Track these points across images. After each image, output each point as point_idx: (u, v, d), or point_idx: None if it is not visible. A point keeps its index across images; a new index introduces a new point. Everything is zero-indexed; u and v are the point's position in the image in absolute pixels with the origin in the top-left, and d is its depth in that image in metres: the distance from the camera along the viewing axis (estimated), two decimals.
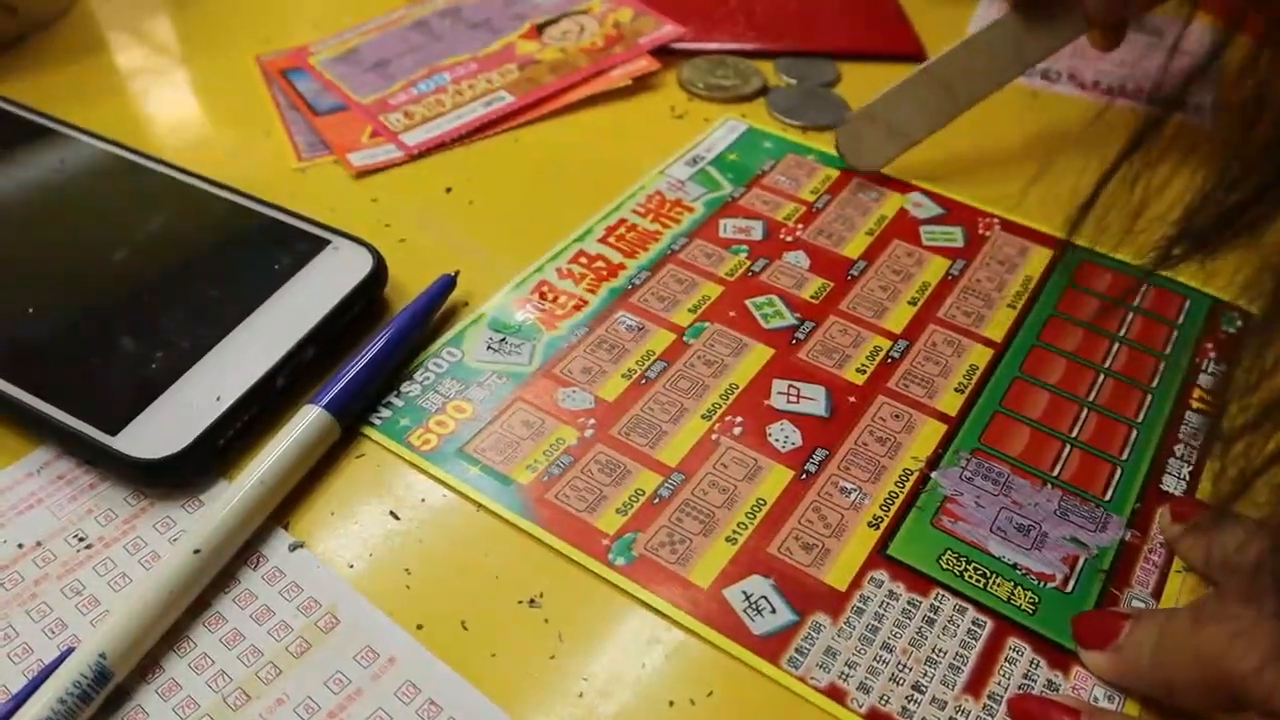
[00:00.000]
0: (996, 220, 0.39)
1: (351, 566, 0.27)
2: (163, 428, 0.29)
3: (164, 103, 0.45)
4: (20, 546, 0.27)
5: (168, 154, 0.38)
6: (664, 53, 0.47)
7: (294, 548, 0.27)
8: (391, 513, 0.28)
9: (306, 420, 0.29)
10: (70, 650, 0.24)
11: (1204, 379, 0.34)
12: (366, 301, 0.33)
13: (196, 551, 0.26)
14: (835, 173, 0.41)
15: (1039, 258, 0.38)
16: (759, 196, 0.40)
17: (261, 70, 0.46)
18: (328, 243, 0.34)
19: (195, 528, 0.26)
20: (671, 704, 0.25)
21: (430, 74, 0.45)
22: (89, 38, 0.49)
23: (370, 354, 0.31)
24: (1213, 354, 0.35)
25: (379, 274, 0.34)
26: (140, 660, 0.25)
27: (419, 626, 0.26)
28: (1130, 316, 0.36)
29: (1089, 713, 0.24)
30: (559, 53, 0.46)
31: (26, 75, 0.45)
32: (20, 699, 0.23)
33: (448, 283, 0.34)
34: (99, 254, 0.34)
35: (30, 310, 0.32)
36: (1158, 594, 0.28)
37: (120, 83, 0.46)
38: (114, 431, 0.28)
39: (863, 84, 0.47)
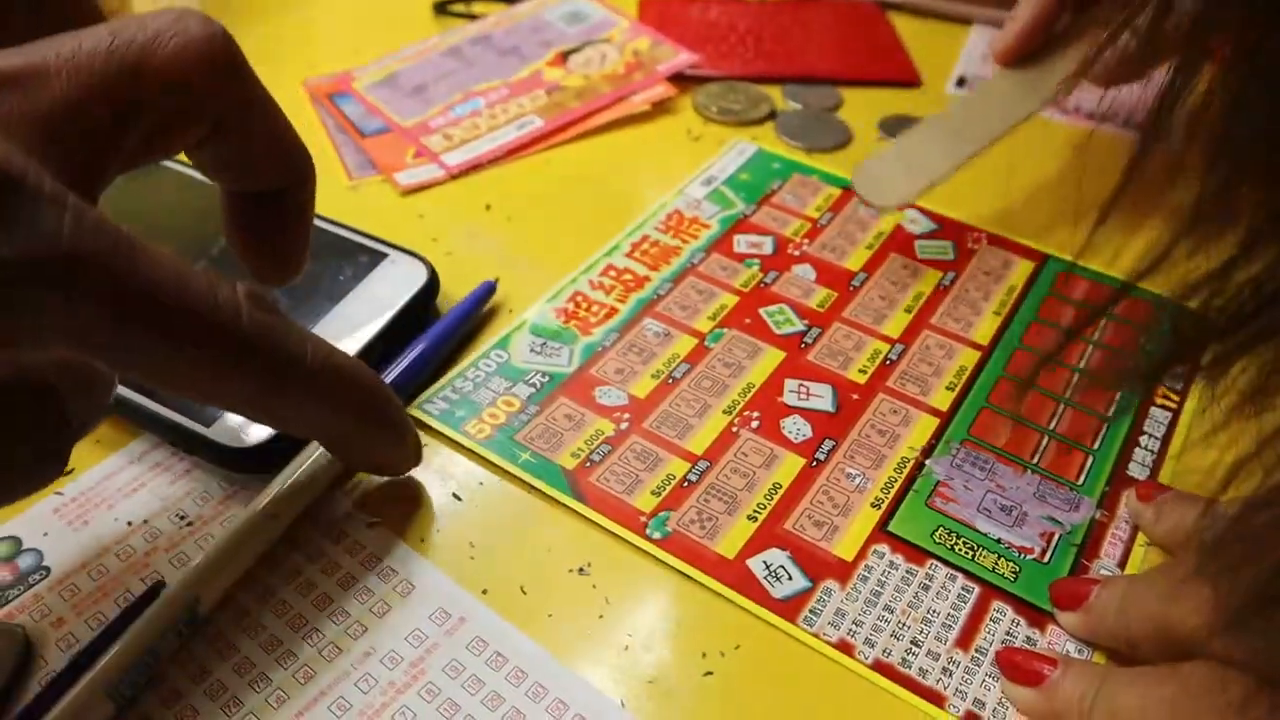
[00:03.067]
0: (984, 235, 0.44)
1: (422, 540, 0.31)
2: (248, 421, 0.33)
3: None
4: (129, 524, 0.31)
5: None
6: (680, 79, 0.51)
7: (371, 525, 0.31)
8: (454, 494, 0.32)
9: None
10: (160, 584, 0.28)
11: (1169, 379, 0.38)
12: (423, 308, 0.37)
13: (273, 516, 0.30)
14: (837, 191, 0.45)
15: (1022, 269, 0.42)
16: (769, 214, 0.44)
17: (309, 94, 0.50)
18: (385, 256, 0.38)
19: (269, 495, 0.30)
20: (704, 655, 0.29)
21: (465, 98, 0.49)
22: None
23: (418, 349, 0.35)
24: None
25: (433, 284, 0.38)
26: (229, 606, 0.29)
27: (484, 591, 0.30)
28: (1104, 322, 0.40)
29: (1064, 662, 0.28)
30: (583, 79, 0.50)
31: None
32: (117, 628, 0.27)
33: (489, 288, 0.38)
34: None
35: None
36: (1123, 564, 0.32)
37: None
38: (208, 424, 0.32)
39: (863, 108, 0.51)
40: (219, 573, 0.28)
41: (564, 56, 0.52)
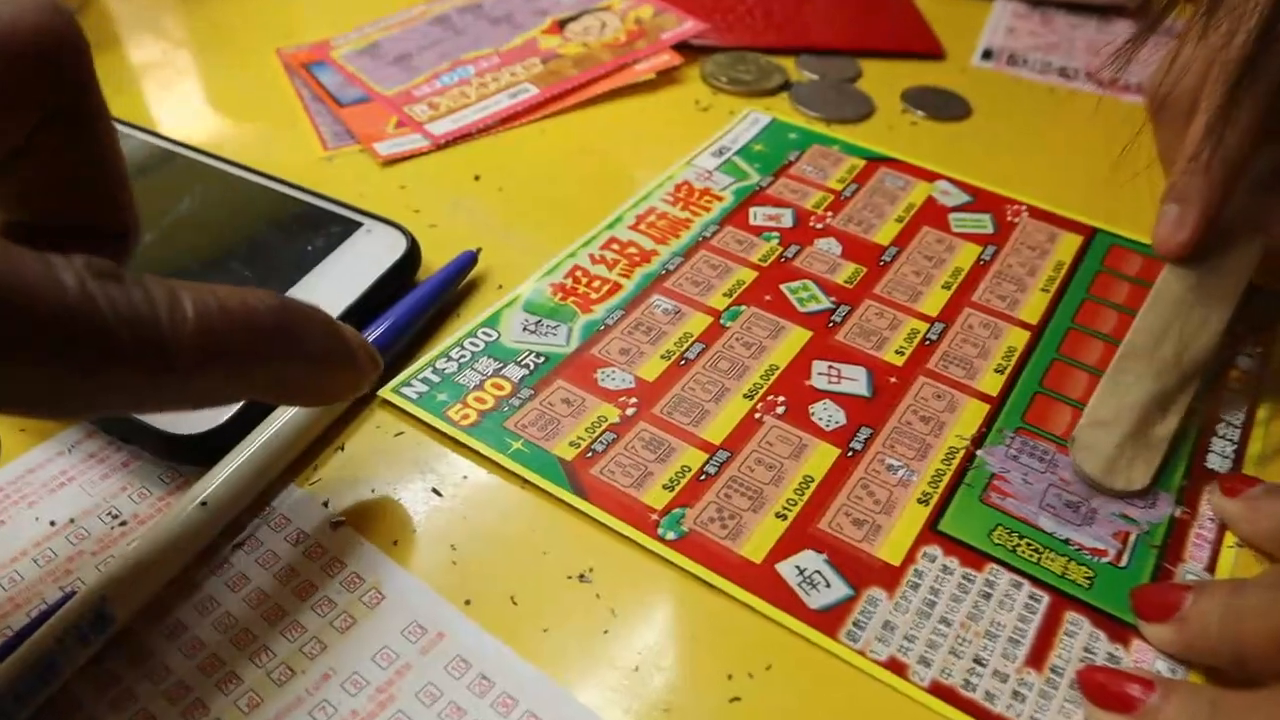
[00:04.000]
0: (1024, 207, 0.39)
1: (395, 543, 0.26)
2: None
3: (185, 97, 0.44)
4: (53, 524, 0.27)
5: (193, 145, 0.38)
6: (686, 49, 0.47)
7: (335, 524, 0.27)
8: (434, 490, 0.28)
9: None
10: (72, 593, 0.24)
11: (1241, 360, 0.34)
12: (401, 282, 0.33)
13: (203, 504, 0.25)
14: (861, 162, 0.41)
15: (1069, 243, 0.38)
16: (787, 185, 0.40)
17: (283, 63, 0.46)
18: (360, 225, 0.34)
19: (203, 482, 0.26)
20: (730, 677, 0.24)
21: (453, 67, 0.45)
22: (105, 34, 0.48)
23: (387, 322, 0.31)
24: (1249, 336, 0.34)
25: (413, 255, 0.33)
26: (148, 610, 0.24)
27: (467, 602, 0.25)
28: None
29: (1164, 684, 0.23)
30: (581, 47, 0.46)
31: None
32: (19, 638, 0.23)
33: (469, 258, 0.34)
34: None
35: None
36: (1211, 568, 0.27)
37: (138, 78, 0.46)
38: None
39: (884, 79, 0.47)
40: (139, 573, 0.24)
41: (560, 24, 0.48)
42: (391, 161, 0.40)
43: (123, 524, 0.27)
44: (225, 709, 0.23)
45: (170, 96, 0.44)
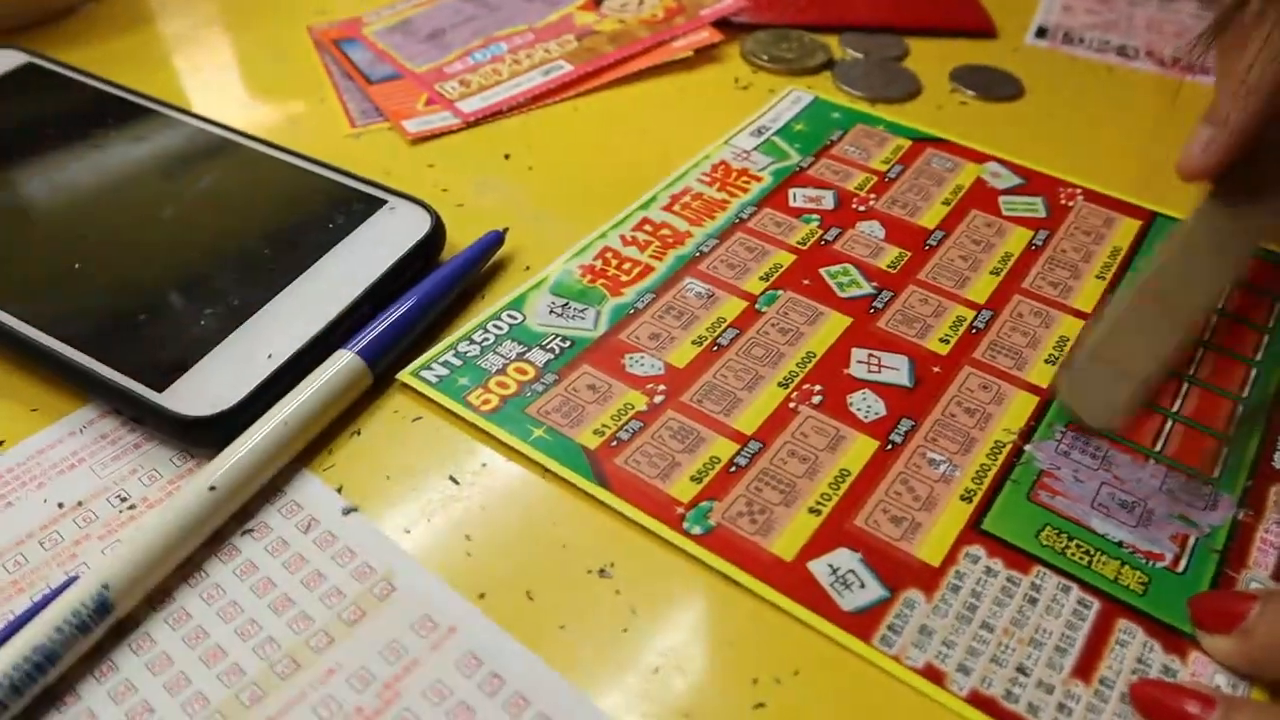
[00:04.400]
0: (1079, 191, 0.37)
1: (408, 533, 0.25)
2: (211, 385, 0.27)
3: (215, 72, 0.44)
4: (60, 506, 0.26)
5: (221, 121, 0.37)
6: (726, 26, 0.45)
7: (347, 512, 0.26)
8: (451, 478, 0.27)
9: (337, 364, 0.28)
10: (74, 579, 0.23)
11: None
12: (424, 262, 0.32)
13: (212, 488, 0.25)
14: (907, 143, 0.39)
15: (1126, 228, 0.36)
16: (829, 166, 0.38)
17: (314, 40, 0.45)
18: (384, 203, 0.33)
19: (213, 465, 0.25)
20: (755, 681, 0.23)
21: (486, 44, 0.44)
22: (138, 9, 0.48)
23: (409, 303, 0.30)
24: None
25: (437, 234, 0.32)
26: (148, 595, 0.24)
27: (481, 596, 0.24)
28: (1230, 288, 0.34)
29: (1225, 702, 0.22)
30: (618, 24, 0.45)
31: (76, 46, 0.44)
32: (16, 625, 0.22)
33: (495, 238, 0.33)
34: (147, 212, 0.33)
35: (76, 265, 0.31)
36: (1278, 575, 0.25)
37: (170, 53, 0.45)
38: (160, 388, 0.27)
39: (932, 57, 0.45)
40: (142, 560, 0.23)
41: (597, 1, 0.46)
42: (420, 139, 0.39)
43: (131, 507, 0.26)
44: (226, 702, 0.22)
45: (200, 73, 0.43)
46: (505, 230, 0.33)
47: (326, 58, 0.44)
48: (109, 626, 0.23)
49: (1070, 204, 0.37)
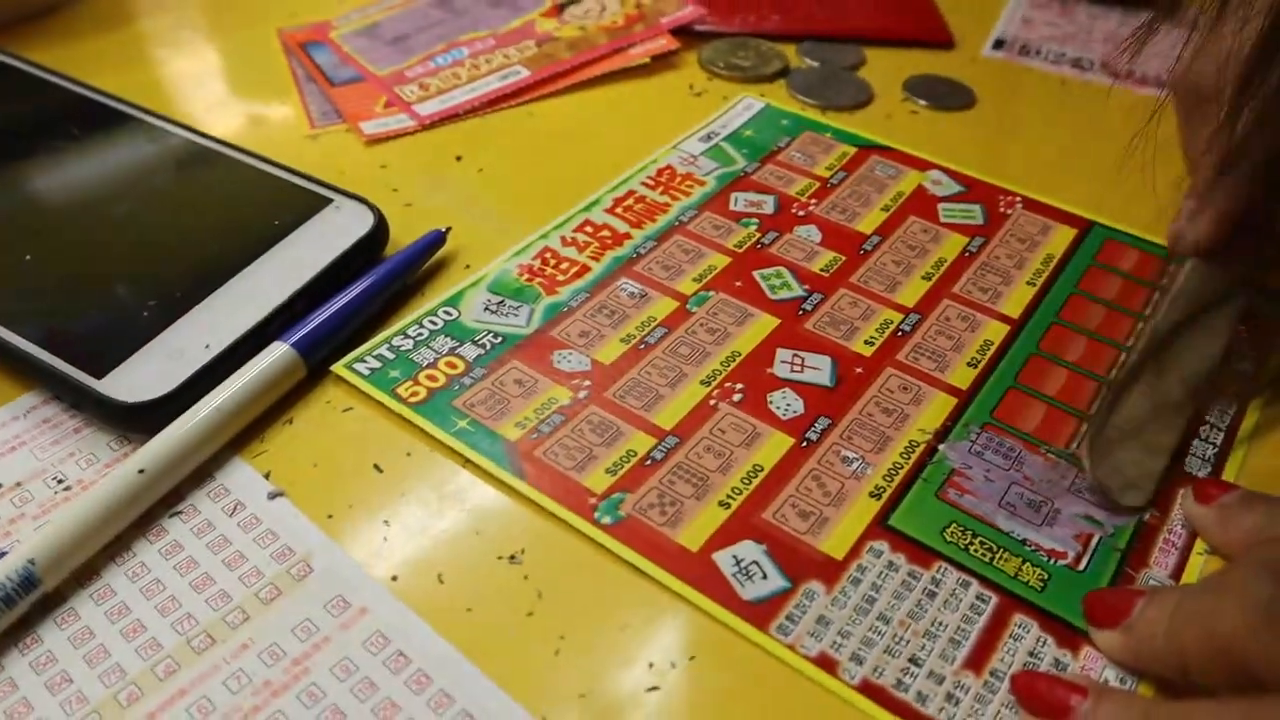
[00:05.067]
0: (1019, 199, 0.38)
1: (330, 518, 0.26)
2: (149, 373, 0.28)
3: (186, 73, 0.45)
4: None
5: (184, 119, 0.38)
6: (686, 34, 0.46)
7: (273, 496, 0.27)
8: (375, 465, 0.28)
9: (272, 356, 0.29)
10: (2, 554, 0.24)
11: (1236, 359, 0.32)
12: (366, 259, 0.33)
13: (141, 471, 0.26)
14: (852, 150, 0.40)
15: (1062, 236, 0.36)
16: (773, 172, 0.39)
17: (282, 43, 0.46)
18: (329, 201, 0.34)
19: (144, 450, 0.26)
20: (651, 665, 0.23)
21: (449, 48, 0.45)
22: (120, 9, 0.49)
23: (346, 298, 0.31)
24: (1244, 336, 0.33)
25: (379, 232, 0.33)
26: (75, 572, 0.25)
27: (394, 578, 0.25)
28: (1155, 296, 0.34)
29: (1097, 691, 0.22)
30: (578, 30, 0.46)
31: (56, 44, 0.45)
32: None
33: (436, 237, 0.34)
34: (100, 206, 0.34)
35: (28, 257, 0.32)
36: (1177, 575, 0.26)
37: (147, 53, 0.46)
38: (99, 375, 0.28)
39: (888, 67, 0.46)
40: (69, 538, 0.24)
41: (560, 7, 0.47)
42: (375, 140, 0.40)
43: (67, 489, 0.27)
44: (142, 674, 0.23)
45: (174, 73, 0.45)
46: (448, 230, 0.34)
47: (293, 60, 0.45)
48: (34, 601, 0.24)
49: (1009, 211, 0.37)
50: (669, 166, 0.39)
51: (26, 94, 0.39)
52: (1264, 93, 0.27)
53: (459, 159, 0.39)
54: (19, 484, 0.27)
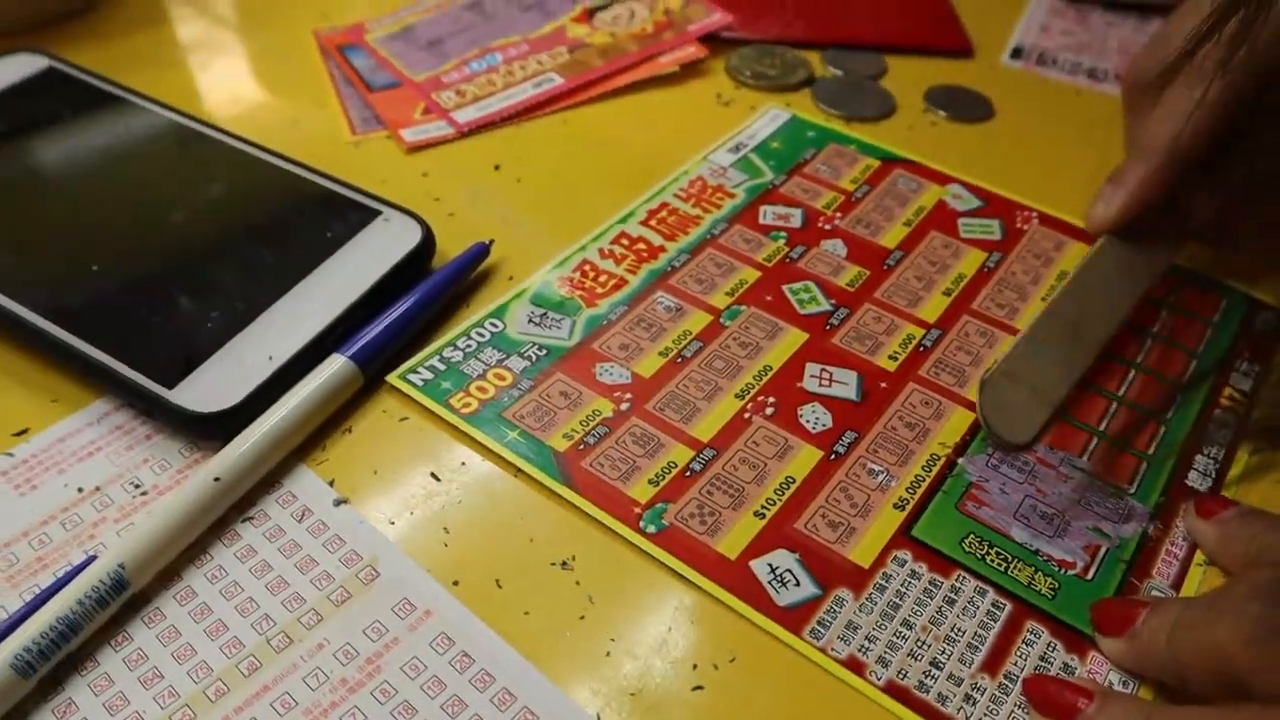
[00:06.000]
0: (1034, 213, 0.40)
1: (392, 523, 0.28)
2: (216, 384, 0.30)
3: (223, 74, 0.46)
4: (80, 490, 0.29)
5: (225, 124, 0.39)
6: (712, 40, 0.48)
7: (338, 503, 0.29)
8: (432, 474, 0.30)
9: (331, 368, 0.31)
10: (93, 558, 0.26)
11: (1236, 378, 0.34)
12: (415, 271, 0.34)
13: (217, 479, 0.27)
14: (876, 163, 0.42)
15: (1075, 252, 0.38)
16: (799, 185, 0.40)
17: (319, 45, 0.47)
18: (379, 213, 0.36)
19: (218, 458, 0.28)
20: (695, 667, 0.26)
21: (482, 54, 0.46)
22: (152, 9, 0.50)
23: (398, 311, 0.32)
24: (1247, 354, 0.35)
25: (428, 245, 0.35)
26: (159, 574, 0.27)
27: (455, 583, 0.27)
28: (1164, 313, 0.36)
29: (1102, 694, 0.24)
30: (609, 37, 0.47)
31: (92, 45, 0.47)
32: (43, 599, 0.25)
33: (481, 250, 0.35)
34: (160, 216, 0.35)
35: (95, 267, 0.33)
36: (1177, 585, 0.28)
37: (181, 54, 0.47)
38: (171, 385, 0.30)
39: (910, 76, 0.47)
40: (154, 542, 0.26)
41: (590, 13, 0.48)
42: (416, 148, 0.41)
43: (143, 493, 0.29)
44: (227, 671, 0.25)
45: (209, 75, 0.46)
46: (491, 242, 0.36)
47: (330, 63, 0.46)
48: (124, 601, 0.26)
49: (1025, 227, 0.39)
50: (700, 178, 0.40)
51: (80, 101, 0.40)
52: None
53: (497, 168, 0.41)
54: (98, 488, 0.29)
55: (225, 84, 0.45)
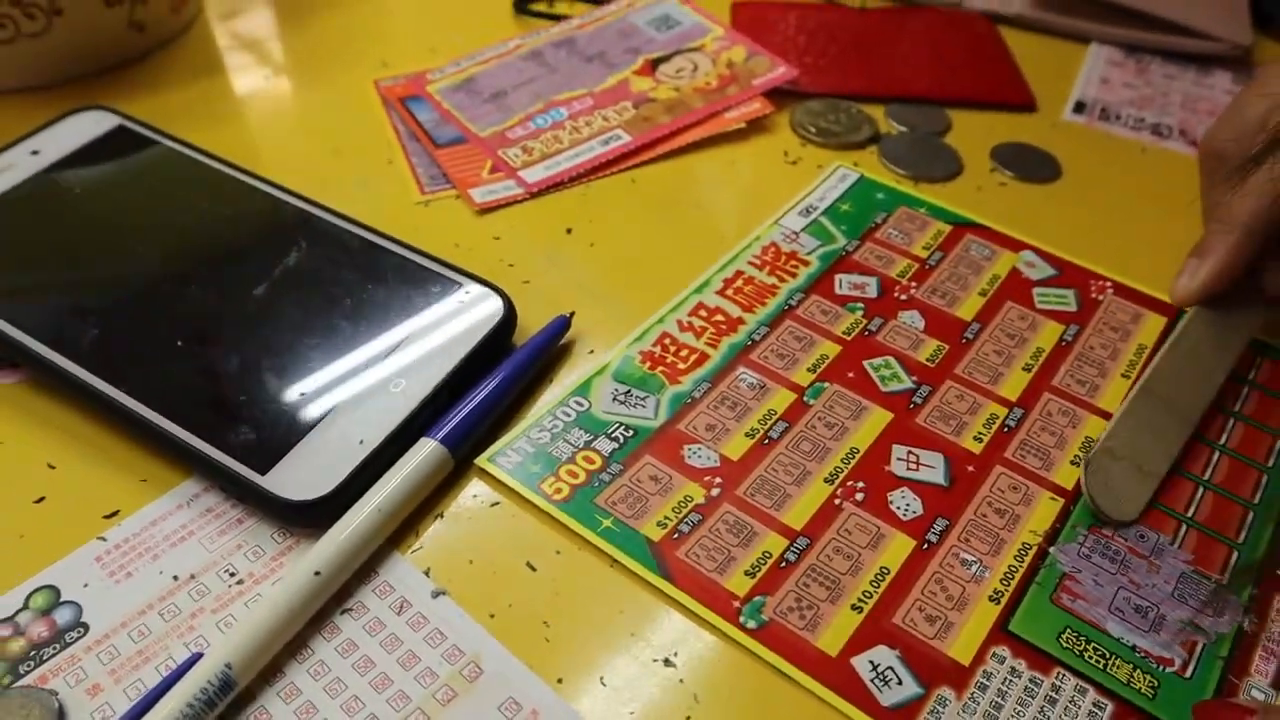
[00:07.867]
0: (1109, 284, 0.40)
1: (492, 617, 0.28)
2: (309, 468, 0.30)
3: (284, 128, 0.46)
4: (175, 579, 0.29)
5: (293, 182, 0.39)
6: (776, 94, 0.47)
7: (436, 595, 0.29)
8: (529, 564, 0.29)
9: (423, 452, 0.30)
10: (198, 655, 0.26)
11: None
12: (498, 346, 0.34)
13: (317, 573, 0.27)
14: (947, 228, 0.42)
15: (1153, 325, 0.38)
16: (872, 251, 0.40)
17: (381, 97, 0.47)
18: (459, 285, 0.35)
19: (316, 551, 0.28)
20: None
21: (547, 108, 0.46)
22: (208, 58, 0.50)
23: (485, 391, 0.32)
24: None
25: (510, 319, 0.35)
26: (265, 670, 0.27)
27: (559, 680, 0.27)
28: (1246, 391, 0.36)
29: (1264, 709, 0.24)
30: (673, 91, 0.47)
31: (149, 94, 0.46)
32: (151, 699, 0.25)
33: (562, 323, 0.35)
34: (241, 289, 0.35)
35: (179, 344, 0.33)
36: (1277, 684, 0.28)
37: (240, 105, 0.47)
38: (263, 470, 0.30)
39: (974, 133, 0.47)
40: (259, 640, 0.26)
41: (653, 65, 0.48)
42: (486, 209, 0.41)
43: (239, 582, 0.29)
44: None
45: (269, 130, 0.46)
46: (571, 315, 0.35)
47: (394, 115, 0.46)
48: (230, 700, 0.26)
49: (1100, 297, 0.39)
50: (773, 244, 0.40)
51: (152, 162, 0.40)
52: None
53: (569, 231, 0.41)
54: (193, 576, 0.29)
55: (289, 140, 0.45)
